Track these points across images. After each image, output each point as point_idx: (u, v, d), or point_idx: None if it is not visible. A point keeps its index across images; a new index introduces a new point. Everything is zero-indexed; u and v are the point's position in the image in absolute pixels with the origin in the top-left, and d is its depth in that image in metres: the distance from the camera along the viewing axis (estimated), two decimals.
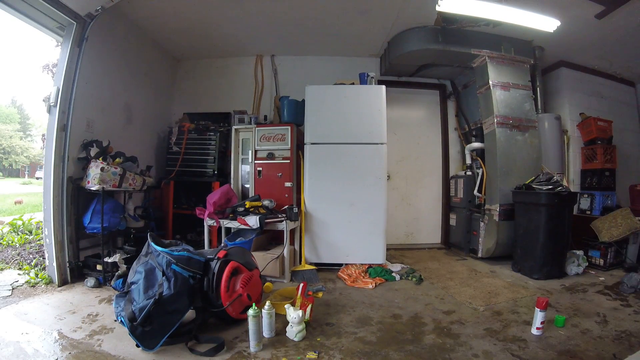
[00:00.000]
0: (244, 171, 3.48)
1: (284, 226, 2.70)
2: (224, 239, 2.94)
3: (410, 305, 2.21)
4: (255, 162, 3.29)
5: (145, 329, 1.54)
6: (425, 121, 4.35)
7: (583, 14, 2.92)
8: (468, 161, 3.90)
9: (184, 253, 1.77)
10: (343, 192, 3.00)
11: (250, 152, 3.36)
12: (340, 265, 2.98)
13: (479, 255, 3.41)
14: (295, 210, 2.84)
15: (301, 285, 1.97)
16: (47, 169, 2.53)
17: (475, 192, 3.56)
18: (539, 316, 1.75)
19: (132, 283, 1.73)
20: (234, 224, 2.72)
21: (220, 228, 2.91)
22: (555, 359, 1.54)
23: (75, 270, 2.56)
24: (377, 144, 3.01)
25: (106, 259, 2.52)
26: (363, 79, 3.30)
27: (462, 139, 4.18)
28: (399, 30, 3.53)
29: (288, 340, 1.70)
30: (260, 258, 2.61)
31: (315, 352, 1.57)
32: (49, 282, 2.47)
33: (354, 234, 2.98)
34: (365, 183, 2.99)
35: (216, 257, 1.85)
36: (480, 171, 3.56)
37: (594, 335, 1.76)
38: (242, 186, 3.49)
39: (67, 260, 2.52)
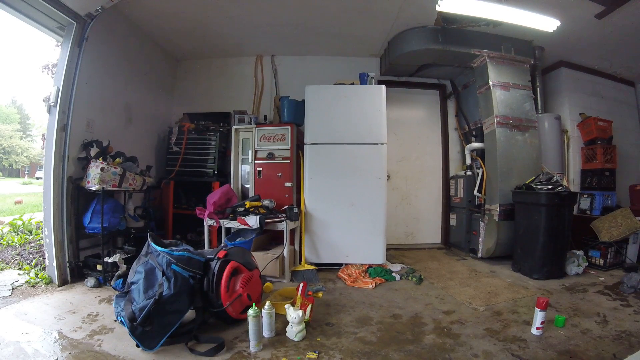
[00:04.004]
0: (244, 171, 3.48)
1: (284, 226, 2.70)
2: (224, 239, 2.94)
3: (410, 305, 2.21)
4: (255, 162, 3.29)
5: (145, 329, 1.54)
6: (425, 121, 4.35)
7: (583, 14, 2.92)
8: (468, 161, 3.90)
9: (184, 253, 1.77)
10: (343, 192, 3.00)
11: (250, 152, 3.36)
12: (340, 265, 2.98)
13: (479, 255, 3.41)
14: (295, 210, 2.84)
15: (301, 285, 1.97)
16: (47, 169, 2.53)
17: (475, 192, 3.56)
18: (539, 316, 1.75)
19: (132, 283, 1.73)
20: (234, 224, 2.72)
21: (220, 228, 2.91)
22: (555, 359, 1.54)
23: (75, 270, 2.56)
24: (377, 144, 3.01)
25: (106, 259, 2.52)
26: (363, 79, 3.30)
27: (462, 139, 4.18)
28: (399, 30, 3.53)
29: (288, 340, 1.70)
30: (260, 258, 2.61)
31: (315, 352, 1.57)
32: (49, 282, 2.47)
33: (354, 233, 2.98)
34: (365, 183, 2.99)
35: (216, 257, 1.85)
36: (480, 171, 3.56)
37: (594, 335, 1.76)
38: (242, 186, 3.49)
39: (67, 260, 2.52)
